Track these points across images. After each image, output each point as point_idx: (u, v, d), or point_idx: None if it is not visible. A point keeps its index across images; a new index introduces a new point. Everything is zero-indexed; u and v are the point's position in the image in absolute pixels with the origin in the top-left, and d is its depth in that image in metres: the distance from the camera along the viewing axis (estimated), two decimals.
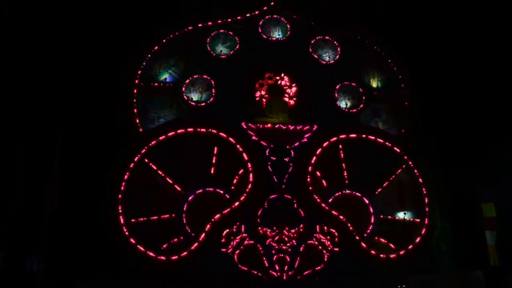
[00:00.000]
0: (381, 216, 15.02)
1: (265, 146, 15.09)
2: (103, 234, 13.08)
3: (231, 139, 14.84)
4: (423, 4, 17.92)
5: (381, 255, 14.24)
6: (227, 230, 13.78)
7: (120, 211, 13.45)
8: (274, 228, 13.97)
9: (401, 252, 14.44)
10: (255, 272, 13.54)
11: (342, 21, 17.64)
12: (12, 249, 12.41)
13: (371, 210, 14.80)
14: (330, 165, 15.26)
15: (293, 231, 14.04)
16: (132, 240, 13.23)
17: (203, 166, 14.58)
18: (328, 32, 17.42)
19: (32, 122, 13.85)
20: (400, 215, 15.17)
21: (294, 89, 16.37)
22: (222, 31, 16.74)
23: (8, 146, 13.39)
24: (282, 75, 16.42)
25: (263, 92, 16.25)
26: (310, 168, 14.88)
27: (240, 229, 13.91)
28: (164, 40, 16.10)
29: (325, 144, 15.34)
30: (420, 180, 15.46)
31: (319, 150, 15.19)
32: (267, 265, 13.62)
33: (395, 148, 15.80)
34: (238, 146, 14.78)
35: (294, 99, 16.22)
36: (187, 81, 15.79)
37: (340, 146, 15.55)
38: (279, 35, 17.13)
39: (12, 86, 14.23)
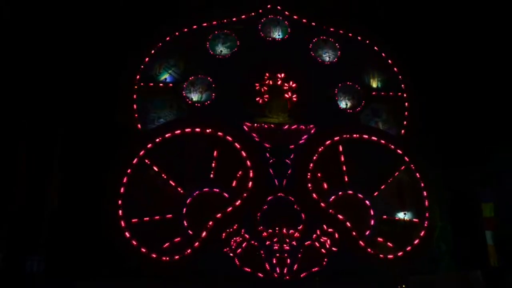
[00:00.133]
0: (384, 217, 15.03)
1: (265, 146, 15.11)
2: (103, 234, 13.08)
3: (231, 139, 14.85)
4: (423, 4, 17.91)
5: (381, 255, 14.24)
6: (227, 230, 13.79)
7: (120, 211, 13.45)
8: (274, 228, 13.98)
9: (401, 252, 14.44)
10: (255, 272, 13.55)
11: (342, 21, 17.63)
12: (12, 249, 12.42)
13: (371, 210, 14.79)
14: (330, 165, 15.27)
15: (293, 231, 14.05)
16: (132, 240, 13.23)
17: (203, 166, 14.58)
18: (328, 32, 17.43)
19: (32, 122, 13.86)
20: (400, 215, 15.18)
21: (294, 89, 16.35)
22: (222, 31, 16.74)
23: (8, 146, 13.39)
24: (282, 75, 16.41)
25: (263, 92, 16.23)
26: (310, 168, 14.88)
27: (240, 229, 13.92)
28: (164, 40, 16.10)
29: (325, 144, 15.34)
30: (420, 180, 15.45)
31: (319, 150, 15.20)
32: (267, 265, 13.63)
33: (395, 148, 15.80)
34: (238, 146, 14.79)
35: (294, 99, 16.21)
36: (187, 81, 15.80)
37: (340, 147, 15.55)
38: (279, 35, 17.12)
39: (12, 86, 14.22)
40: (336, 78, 16.63)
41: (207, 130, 14.92)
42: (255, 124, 15.34)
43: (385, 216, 15.11)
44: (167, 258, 13.25)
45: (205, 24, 16.62)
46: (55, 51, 15.03)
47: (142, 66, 15.64)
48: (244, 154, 14.72)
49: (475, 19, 17.34)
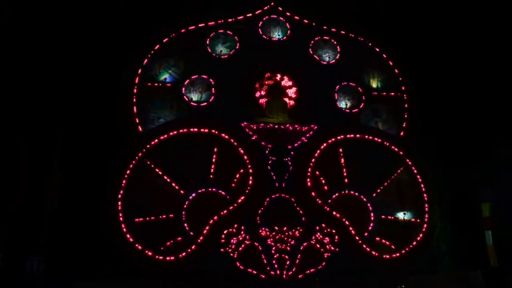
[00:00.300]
0: (382, 217, 15.03)
1: (265, 146, 15.11)
2: (103, 234, 13.08)
3: (231, 139, 14.85)
4: (423, 4, 17.91)
5: (381, 255, 14.24)
6: (227, 230, 13.79)
7: (120, 211, 13.45)
8: (274, 228, 13.98)
9: (401, 252, 14.44)
10: (255, 272, 13.55)
11: (342, 21, 17.63)
12: (12, 249, 12.41)
13: (371, 210, 14.81)
14: (330, 165, 15.28)
15: (293, 231, 14.05)
16: (132, 240, 13.23)
17: (203, 166, 14.59)
18: (328, 32, 17.42)
19: (32, 122, 13.86)
20: (400, 215, 15.19)
21: (294, 89, 16.35)
22: (222, 31, 16.73)
23: (8, 146, 13.39)
24: (282, 75, 16.40)
25: (263, 92, 16.22)
26: (310, 168, 14.89)
27: (240, 229, 13.92)
28: (164, 40, 16.10)
29: (325, 144, 15.35)
30: (420, 180, 15.47)
31: (319, 150, 15.21)
32: (267, 265, 13.63)
33: (395, 148, 15.81)
34: (238, 146, 14.79)
35: (294, 99, 16.20)
36: (187, 81, 15.81)
37: (340, 147, 15.56)
38: (279, 35, 17.12)
39: (12, 86, 14.23)
40: (336, 78, 16.63)
41: (207, 130, 14.92)
42: (255, 124, 15.34)
43: (383, 216, 15.11)
44: (167, 258, 13.25)
45: (205, 24, 16.61)
46: (55, 51, 15.03)
47: (142, 66, 15.63)
48: (244, 154, 14.71)
49: (475, 19, 17.35)
